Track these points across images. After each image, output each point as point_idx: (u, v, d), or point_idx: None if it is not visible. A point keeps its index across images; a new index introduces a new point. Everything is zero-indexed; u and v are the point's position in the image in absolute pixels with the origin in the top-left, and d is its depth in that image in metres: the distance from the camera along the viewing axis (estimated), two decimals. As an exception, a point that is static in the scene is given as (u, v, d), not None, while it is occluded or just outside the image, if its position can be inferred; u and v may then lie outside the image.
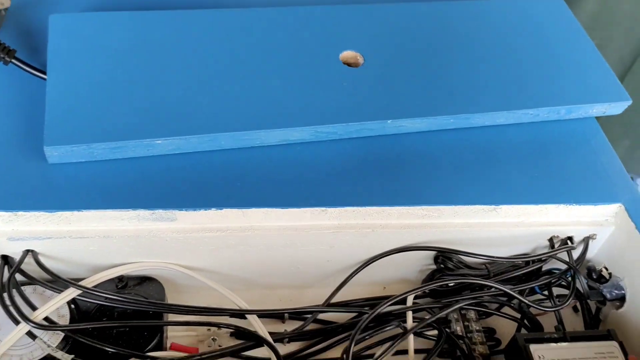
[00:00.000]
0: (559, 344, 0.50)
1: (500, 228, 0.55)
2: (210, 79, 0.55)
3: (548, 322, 0.55)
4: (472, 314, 0.56)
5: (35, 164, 0.50)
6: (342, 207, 0.51)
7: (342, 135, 0.56)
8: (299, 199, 0.51)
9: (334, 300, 0.56)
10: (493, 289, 0.54)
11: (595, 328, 0.58)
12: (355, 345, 0.50)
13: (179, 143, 0.52)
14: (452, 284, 0.54)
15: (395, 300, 0.52)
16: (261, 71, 0.56)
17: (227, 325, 0.50)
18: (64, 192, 0.48)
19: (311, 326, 0.55)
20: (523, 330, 0.55)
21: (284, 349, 0.54)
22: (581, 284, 0.54)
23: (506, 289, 0.53)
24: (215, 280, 0.53)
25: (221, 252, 0.52)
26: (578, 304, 0.58)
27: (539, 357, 0.49)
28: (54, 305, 0.47)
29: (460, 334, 0.55)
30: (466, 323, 0.56)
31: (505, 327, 0.57)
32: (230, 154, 0.53)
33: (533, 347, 0.50)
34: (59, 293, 0.48)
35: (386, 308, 0.52)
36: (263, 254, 0.53)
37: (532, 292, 0.57)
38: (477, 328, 0.55)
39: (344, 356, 0.48)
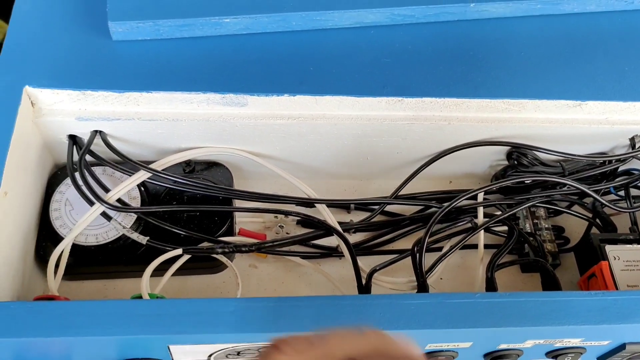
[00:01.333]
0: (634, 245, 0.49)
1: (582, 125, 0.52)
2: (283, -47, 0.50)
3: (620, 224, 0.54)
4: (541, 212, 0.55)
5: (100, 40, 0.47)
6: (420, 98, 0.48)
7: (420, 19, 0.52)
8: (374, 86, 0.48)
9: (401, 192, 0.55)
10: (566, 187, 0.52)
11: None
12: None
13: (248, 22, 0.48)
14: (528, 182, 0.53)
15: (469, 195, 0.50)
16: (336, -55, 0.51)
17: (297, 214, 0.50)
18: (132, 72, 0.46)
19: (377, 217, 0.54)
20: (594, 230, 0.53)
21: (350, 238, 0.54)
22: (663, 185, 0.52)
23: (583, 187, 0.51)
24: (282, 168, 0.52)
25: (290, 139, 0.50)
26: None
27: (614, 257, 0.48)
28: (127, 187, 0.46)
29: (529, 231, 0.54)
30: (535, 220, 0.55)
31: (574, 226, 0.56)
32: (301, 36, 0.50)
33: (609, 248, 0.49)
34: (129, 175, 0.47)
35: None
36: (333, 143, 0.51)
37: (607, 192, 0.55)
38: (546, 226, 0.54)
39: (416, 248, 0.47)
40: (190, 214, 0.49)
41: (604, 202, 0.51)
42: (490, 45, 0.52)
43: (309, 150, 0.52)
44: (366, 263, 0.50)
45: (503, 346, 0.43)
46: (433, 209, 0.54)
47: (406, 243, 0.54)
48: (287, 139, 0.50)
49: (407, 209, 0.56)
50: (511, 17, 0.53)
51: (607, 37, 0.54)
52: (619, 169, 0.55)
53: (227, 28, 0.48)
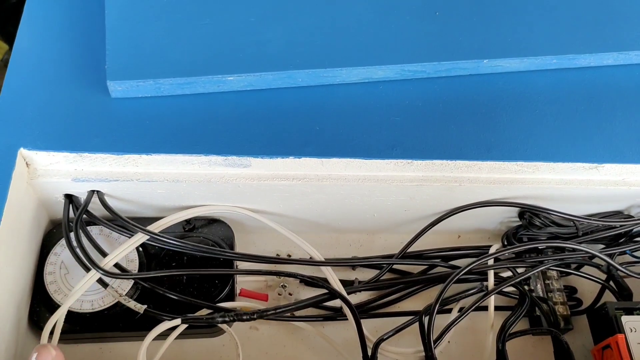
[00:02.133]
0: (651, 316, 0.47)
1: (598, 187, 0.50)
2: (287, 10, 0.48)
3: (634, 288, 0.52)
4: (553, 272, 0.53)
5: (99, 98, 0.45)
6: (430, 160, 0.46)
7: (431, 74, 0.50)
8: (382, 148, 0.46)
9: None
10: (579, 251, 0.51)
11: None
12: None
13: (252, 80, 0.47)
14: (542, 247, 0.51)
15: (481, 261, 0.48)
16: (343, 0, 0.50)
17: (301, 276, 0.48)
18: (131, 132, 0.44)
19: (384, 275, 0.52)
20: (608, 296, 0.52)
21: (355, 298, 0.52)
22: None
23: (597, 252, 0.49)
24: (284, 224, 0.50)
25: (295, 199, 0.49)
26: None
27: (631, 329, 0.46)
28: (124, 252, 0.45)
29: (541, 293, 0.52)
30: (547, 281, 0.53)
31: (587, 286, 0.54)
32: (307, 92, 0.48)
33: (625, 319, 0.47)
34: (127, 237, 0.46)
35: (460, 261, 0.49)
36: (339, 202, 0.50)
37: (622, 253, 0.53)
38: (558, 287, 0.52)
39: (424, 316, 0.45)
40: (190, 276, 0.47)
41: (617, 266, 0.50)
42: (504, 102, 0.50)
43: (313, 209, 0.51)
44: (370, 326, 0.49)
45: None
46: (439, 268, 0.52)
47: (413, 303, 0.52)
48: (291, 198, 0.49)
49: (413, 267, 0.54)
50: (525, 71, 0.51)
51: (625, 93, 0.52)
52: (634, 230, 0.53)
53: (230, 85, 0.46)
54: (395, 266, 0.54)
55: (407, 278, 0.52)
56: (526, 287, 0.52)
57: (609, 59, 0.52)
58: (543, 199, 0.51)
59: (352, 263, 0.51)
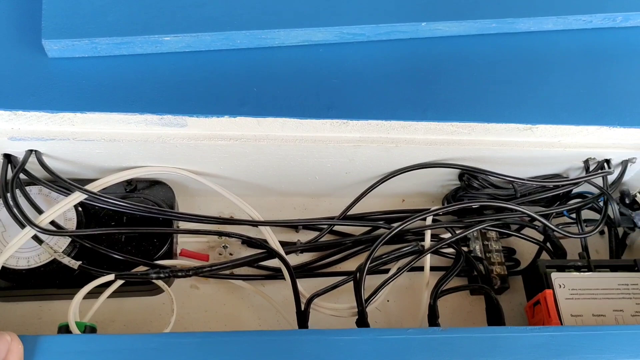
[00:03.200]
0: (581, 272, 0.48)
1: (534, 148, 0.51)
2: (225, -32, 0.48)
3: (571, 246, 0.53)
4: (492, 233, 0.54)
5: (35, 58, 0.45)
6: (365, 120, 0.47)
7: (370, 37, 0.50)
8: (319, 108, 0.47)
9: (350, 211, 0.54)
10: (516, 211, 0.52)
11: (620, 253, 0.56)
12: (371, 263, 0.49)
13: (190, 40, 0.47)
14: (476, 206, 0.52)
15: (416, 219, 0.49)
16: (283, -41, 0.50)
17: (239, 236, 0.49)
18: (67, 90, 0.45)
19: (326, 237, 0.53)
20: (544, 254, 0.53)
21: (297, 259, 0.53)
22: (613, 210, 0.51)
23: (532, 213, 0.50)
24: (228, 187, 0.51)
25: (234, 159, 0.49)
26: (605, 228, 0.55)
27: (560, 285, 0.47)
28: (60, 210, 0.45)
29: (479, 253, 0.53)
30: (486, 242, 0.54)
31: (526, 247, 0.55)
32: (246, 55, 0.48)
33: (554, 275, 0.48)
34: (65, 195, 0.46)
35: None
36: (278, 163, 0.50)
37: (559, 214, 0.54)
38: (497, 248, 0.54)
39: (358, 274, 0.46)
40: (128, 235, 0.48)
41: (552, 227, 0.51)
42: (443, 65, 0.50)
43: (254, 170, 0.51)
44: (311, 285, 0.49)
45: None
46: (381, 230, 0.53)
47: (354, 264, 0.53)
48: (230, 158, 0.49)
49: (357, 229, 0.55)
50: (465, 35, 0.52)
51: (563, 58, 0.52)
52: (573, 192, 0.54)
53: (168, 46, 0.47)
54: (339, 229, 0.54)
55: (346, 239, 0.53)
56: (465, 248, 0.53)
57: (549, 23, 0.53)
58: (482, 161, 0.52)
59: (291, 223, 0.52)
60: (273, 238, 0.49)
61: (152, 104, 0.45)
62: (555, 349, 0.39)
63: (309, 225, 0.54)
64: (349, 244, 0.53)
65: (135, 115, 0.45)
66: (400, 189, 0.57)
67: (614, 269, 0.49)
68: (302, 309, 0.46)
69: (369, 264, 0.46)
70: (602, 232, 0.57)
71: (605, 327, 0.42)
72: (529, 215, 0.50)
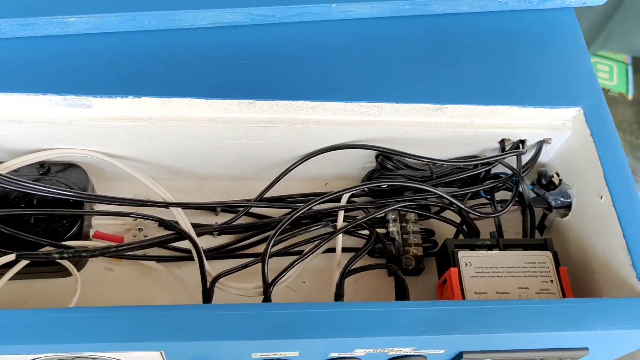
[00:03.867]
0: (489, 251, 0.48)
1: (446, 128, 0.51)
2: (130, -51, 0.49)
3: (492, 228, 0.53)
4: (412, 215, 0.54)
5: (-64, 39, 0.46)
6: (272, 100, 0.47)
7: (281, 19, 0.51)
8: (226, 89, 0.47)
9: (271, 194, 0.54)
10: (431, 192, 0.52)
11: (541, 234, 0.56)
12: (276, 244, 0.49)
13: (96, 22, 0.47)
14: (384, 186, 0.52)
15: (326, 199, 0.49)
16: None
17: (151, 217, 0.49)
18: (-30, 72, 0.45)
19: (243, 220, 0.53)
20: (461, 236, 0.53)
21: (214, 241, 0.53)
22: (524, 190, 0.51)
23: (442, 192, 0.50)
24: (144, 170, 0.51)
25: (145, 141, 0.49)
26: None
27: (466, 263, 0.48)
28: (-35, 191, 0.45)
29: (397, 235, 0.53)
30: (404, 224, 0.54)
31: (446, 230, 0.55)
32: (154, 36, 0.49)
33: (462, 254, 0.48)
34: (-26, 177, 0.46)
35: (318, 206, 0.50)
36: (191, 144, 0.50)
37: (476, 194, 0.55)
38: (415, 229, 0.54)
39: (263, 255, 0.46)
40: (38, 217, 0.48)
41: (462, 206, 0.51)
42: (354, 46, 0.51)
43: (168, 152, 0.51)
44: (224, 267, 0.49)
45: (334, 355, 0.42)
46: (287, 217, 0.53)
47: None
48: (140, 140, 0.49)
49: (279, 211, 0.55)
50: (379, 17, 0.52)
51: (478, 39, 0.53)
52: (492, 173, 0.55)
53: (74, 27, 0.47)
54: (261, 212, 0.55)
55: (262, 221, 0.53)
56: (384, 230, 0.53)
57: (464, 5, 0.53)
58: (396, 142, 0.52)
59: (204, 206, 0.52)
60: (184, 220, 0.49)
61: (55, 85, 0.45)
62: (442, 324, 0.40)
63: (227, 208, 0.54)
64: (272, 225, 0.53)
65: (38, 96, 0.45)
66: (322, 172, 0.57)
67: (525, 247, 0.49)
68: (207, 287, 0.46)
69: (271, 245, 0.46)
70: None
71: (494, 301, 0.42)
72: (439, 196, 0.50)
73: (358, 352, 0.42)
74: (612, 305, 0.42)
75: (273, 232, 0.47)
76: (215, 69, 0.48)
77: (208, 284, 0.46)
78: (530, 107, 0.50)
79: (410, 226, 0.54)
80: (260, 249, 0.53)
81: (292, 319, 0.39)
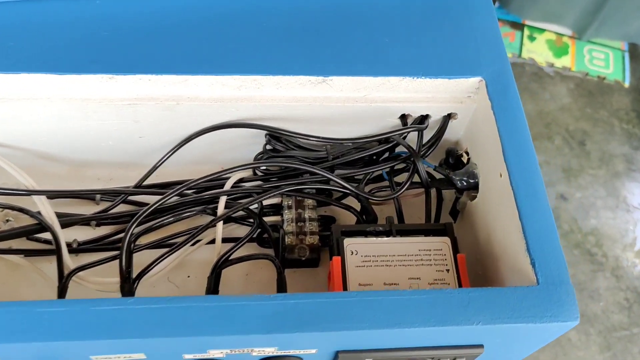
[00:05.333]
0: (378, 238, 0.44)
1: (336, 104, 0.46)
2: None
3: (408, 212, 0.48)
4: (309, 201, 0.49)
5: None
6: (134, 75, 0.43)
7: (152, -13, 0.46)
8: (82, 62, 0.43)
9: (161, 180, 0.50)
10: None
11: (454, 220, 0.51)
12: (146, 232, 0.45)
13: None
14: (263, 168, 0.47)
15: (202, 182, 0.45)
16: None
17: (9, 206, 0.45)
18: None
19: (124, 209, 0.49)
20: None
21: (93, 233, 0.49)
22: (420, 170, 0.46)
23: (330, 175, 0.45)
24: (15, 156, 0.47)
25: (6, 125, 0.45)
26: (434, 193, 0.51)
27: (352, 252, 0.43)
28: None
29: (291, 222, 0.48)
30: (300, 210, 0.49)
31: (349, 217, 0.51)
32: (7, 8, 0.45)
33: (347, 241, 0.43)
34: None
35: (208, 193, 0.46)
36: (56, 125, 0.46)
37: (379, 177, 0.50)
38: (312, 216, 0.49)
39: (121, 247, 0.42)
40: None
41: (351, 189, 0.46)
42: (228, 17, 0.46)
43: (31, 134, 0.47)
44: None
45: (188, 356, 0.38)
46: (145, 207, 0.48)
47: (156, 235, 0.49)
48: (3, 123, 0.45)
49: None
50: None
51: (368, 7, 0.48)
52: (396, 151, 0.50)
53: None
54: (143, 199, 0.50)
55: (139, 209, 0.49)
56: (279, 218, 0.49)
57: (359, -31, 0.48)
58: (285, 120, 0.47)
59: (77, 194, 0.48)
60: (47, 209, 0.45)
61: None
62: (296, 319, 0.35)
63: (108, 196, 0.49)
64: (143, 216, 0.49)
65: None
66: (216, 158, 0.52)
67: (424, 233, 0.45)
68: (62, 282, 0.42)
69: (130, 233, 0.41)
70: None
71: (371, 292, 0.36)
72: (328, 179, 0.45)
73: (214, 353, 0.37)
74: (504, 295, 0.37)
75: (129, 224, 0.42)
76: (72, 41, 0.44)
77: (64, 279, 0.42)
78: (426, 78, 0.45)
79: (307, 213, 0.49)
80: (142, 240, 0.49)
81: (132, 315, 0.34)
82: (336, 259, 0.42)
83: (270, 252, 0.48)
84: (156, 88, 0.44)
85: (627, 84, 1.66)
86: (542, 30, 1.66)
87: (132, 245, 0.42)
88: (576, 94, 1.62)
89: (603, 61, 1.68)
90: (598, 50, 1.69)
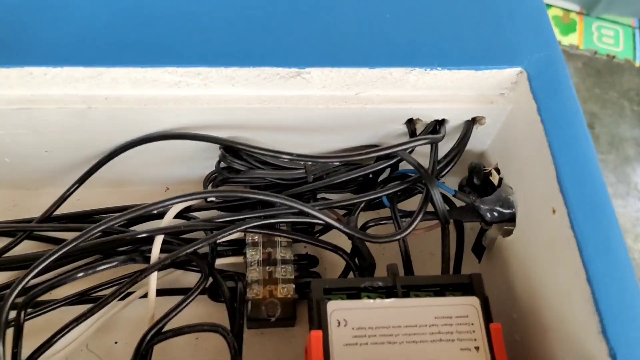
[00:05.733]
0: (377, 300, 0.30)
1: (316, 105, 0.33)
2: None
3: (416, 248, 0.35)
4: (281, 238, 0.36)
5: None
6: (21, 67, 0.29)
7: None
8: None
9: (81, 208, 0.36)
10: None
11: (479, 260, 0.38)
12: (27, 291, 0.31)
13: None
14: (212, 199, 0.34)
15: (117, 222, 0.31)
16: None
17: None
18: None
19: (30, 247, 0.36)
20: (351, 274, 0.35)
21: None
22: (434, 197, 0.32)
23: (302, 206, 0.32)
24: None
25: None
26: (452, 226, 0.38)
27: (339, 322, 0.30)
28: None
29: (255, 266, 0.35)
30: (269, 249, 0.36)
31: (335, 259, 0.37)
32: None
33: (331, 306, 0.30)
34: None
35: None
36: None
37: (376, 204, 0.37)
38: (285, 257, 0.36)
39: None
40: None
41: (337, 226, 0.32)
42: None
43: None
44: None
45: None
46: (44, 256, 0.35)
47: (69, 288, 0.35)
48: None
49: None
50: None
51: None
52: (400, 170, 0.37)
53: None
54: (56, 236, 0.37)
55: (46, 251, 0.35)
56: (240, 259, 0.36)
57: None
58: (248, 129, 0.34)
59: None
60: None
61: None
62: None
63: (3, 231, 0.36)
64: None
65: None
66: (160, 176, 0.39)
67: (441, 289, 0.32)
68: None
69: (14, 296, 0.28)
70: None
71: None
72: (299, 211, 0.32)
73: None
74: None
75: (21, 277, 0.29)
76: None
77: None
78: (443, 69, 0.31)
79: (280, 253, 0.36)
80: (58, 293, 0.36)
81: None
82: (315, 335, 0.29)
83: (224, 314, 0.34)
84: (55, 85, 0.30)
85: (637, 63, 1.56)
86: (548, 6, 1.55)
87: (22, 317, 0.29)
88: (584, 74, 1.52)
89: (612, 39, 1.58)
90: (607, 27, 1.59)
